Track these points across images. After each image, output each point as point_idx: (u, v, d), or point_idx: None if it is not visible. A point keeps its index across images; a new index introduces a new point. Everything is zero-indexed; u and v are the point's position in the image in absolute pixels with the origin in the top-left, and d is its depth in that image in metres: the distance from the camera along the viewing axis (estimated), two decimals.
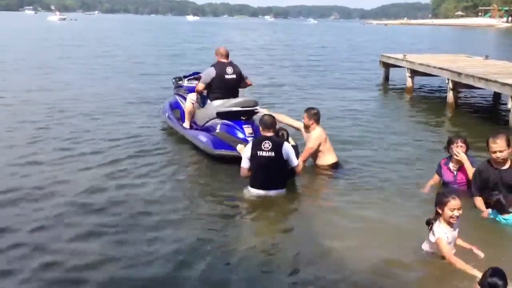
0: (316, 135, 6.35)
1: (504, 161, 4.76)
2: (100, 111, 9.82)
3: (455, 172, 5.34)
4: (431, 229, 3.97)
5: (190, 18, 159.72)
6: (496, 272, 3.09)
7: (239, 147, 5.95)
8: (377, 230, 4.62)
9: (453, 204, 3.86)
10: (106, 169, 6.28)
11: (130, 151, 7.06)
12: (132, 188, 5.66)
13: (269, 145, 5.34)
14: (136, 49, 27.45)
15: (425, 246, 4.09)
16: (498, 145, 4.67)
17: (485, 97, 12.45)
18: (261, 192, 5.39)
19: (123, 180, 5.93)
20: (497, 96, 11.71)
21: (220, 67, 7.07)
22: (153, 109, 9.92)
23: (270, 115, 5.83)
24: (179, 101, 8.04)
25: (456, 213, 3.87)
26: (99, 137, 7.82)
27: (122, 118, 9.27)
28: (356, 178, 6.11)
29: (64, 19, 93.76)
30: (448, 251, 3.87)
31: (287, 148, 5.44)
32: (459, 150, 5.23)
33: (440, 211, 3.92)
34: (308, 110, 6.50)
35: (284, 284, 3.77)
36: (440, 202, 3.91)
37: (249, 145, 5.52)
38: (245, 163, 5.50)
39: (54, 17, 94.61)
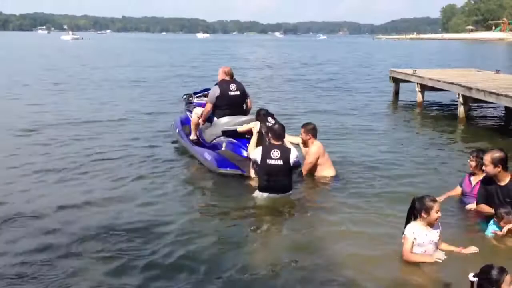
0: (314, 150, 6.53)
1: (498, 176, 4.82)
2: (112, 125, 10.05)
3: (473, 184, 5.48)
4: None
5: (200, 35, 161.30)
6: (490, 267, 3.17)
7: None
8: (368, 242, 4.64)
9: (438, 206, 4.14)
10: (116, 181, 6.47)
11: (139, 164, 7.29)
12: (140, 200, 5.77)
13: (278, 154, 5.70)
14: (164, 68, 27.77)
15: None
16: (485, 158, 4.89)
17: (496, 112, 12.38)
18: (270, 195, 5.71)
19: (133, 192, 6.08)
20: (508, 110, 11.62)
21: (223, 85, 7.25)
22: (164, 124, 10.07)
23: (281, 124, 6.09)
24: (190, 117, 8.15)
25: (439, 213, 4.14)
26: (110, 153, 7.97)
27: (133, 134, 9.35)
28: (357, 191, 6.13)
29: (77, 38, 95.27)
30: (408, 249, 4.14)
31: (294, 154, 5.85)
32: (471, 164, 5.51)
33: (425, 216, 4.13)
34: (305, 125, 6.69)
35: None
36: (426, 207, 4.11)
37: (258, 152, 5.82)
38: (252, 156, 6.04)
39: (67, 37, 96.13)
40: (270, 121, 6.59)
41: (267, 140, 6.14)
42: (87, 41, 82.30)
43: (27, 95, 14.81)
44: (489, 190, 4.91)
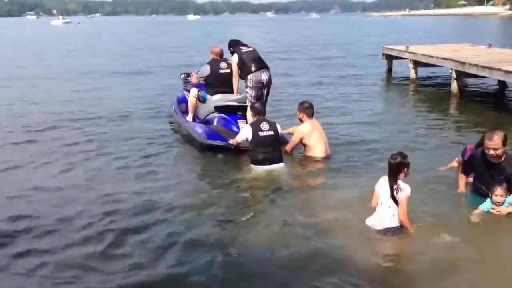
0: (298, 129, 6.58)
1: (498, 157, 4.64)
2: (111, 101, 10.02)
3: None
4: (395, 189, 4.13)
5: (191, 17, 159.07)
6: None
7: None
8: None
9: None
10: (112, 163, 6.61)
11: (138, 144, 7.54)
12: (133, 178, 5.97)
13: (267, 126, 6.19)
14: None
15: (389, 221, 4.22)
16: (494, 143, 4.53)
17: (490, 86, 12.42)
18: (264, 167, 6.03)
19: (129, 174, 6.16)
20: (501, 84, 11.68)
21: (214, 64, 7.70)
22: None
23: (260, 102, 6.66)
24: (186, 95, 8.41)
25: None
26: (108, 134, 8.21)
27: (135, 121, 9.36)
28: (349, 168, 6.19)
29: (67, 22, 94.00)
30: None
31: (279, 126, 6.41)
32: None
33: (407, 172, 4.21)
34: (300, 104, 6.81)
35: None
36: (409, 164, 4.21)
37: (248, 128, 6.19)
38: (239, 139, 6.40)
39: (57, 21, 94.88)
40: (243, 48, 7.19)
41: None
42: (79, 26, 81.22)
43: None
44: (481, 168, 4.81)
